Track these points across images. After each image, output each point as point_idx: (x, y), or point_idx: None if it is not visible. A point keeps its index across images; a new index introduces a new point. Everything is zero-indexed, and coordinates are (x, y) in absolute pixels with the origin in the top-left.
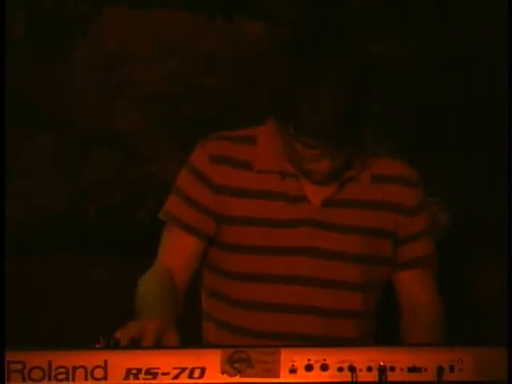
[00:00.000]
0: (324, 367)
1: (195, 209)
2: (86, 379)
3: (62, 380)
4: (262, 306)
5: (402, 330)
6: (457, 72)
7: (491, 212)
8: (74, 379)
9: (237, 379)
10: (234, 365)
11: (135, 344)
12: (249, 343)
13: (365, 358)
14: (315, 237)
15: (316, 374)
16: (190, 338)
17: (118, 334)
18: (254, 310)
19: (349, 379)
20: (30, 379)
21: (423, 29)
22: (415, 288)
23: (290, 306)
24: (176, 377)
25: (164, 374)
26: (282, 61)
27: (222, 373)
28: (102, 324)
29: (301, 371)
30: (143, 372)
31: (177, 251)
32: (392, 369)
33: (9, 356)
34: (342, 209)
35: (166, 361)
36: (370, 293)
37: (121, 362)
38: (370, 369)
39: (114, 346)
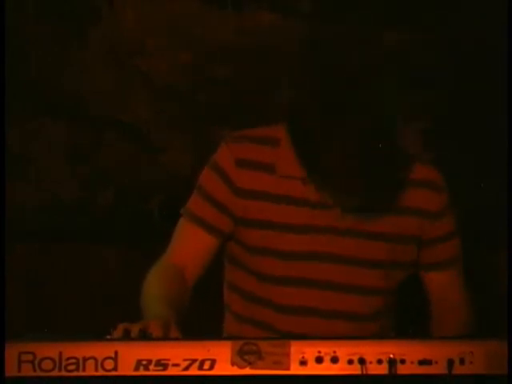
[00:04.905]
0: (334, 359)
1: (216, 208)
2: (97, 370)
3: (72, 371)
4: (281, 307)
5: (431, 328)
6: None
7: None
8: (84, 370)
9: (247, 371)
10: (244, 356)
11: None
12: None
13: (375, 351)
14: (336, 243)
15: (326, 366)
16: (209, 329)
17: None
18: (275, 311)
19: (359, 372)
20: (41, 370)
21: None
22: (443, 289)
23: (311, 309)
24: (186, 368)
25: (174, 365)
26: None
27: (232, 364)
28: (110, 314)
29: (311, 363)
30: (153, 363)
31: (192, 248)
32: (402, 361)
33: (20, 347)
34: (364, 214)
35: (176, 352)
36: (391, 295)
37: (131, 353)
38: (380, 361)
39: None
